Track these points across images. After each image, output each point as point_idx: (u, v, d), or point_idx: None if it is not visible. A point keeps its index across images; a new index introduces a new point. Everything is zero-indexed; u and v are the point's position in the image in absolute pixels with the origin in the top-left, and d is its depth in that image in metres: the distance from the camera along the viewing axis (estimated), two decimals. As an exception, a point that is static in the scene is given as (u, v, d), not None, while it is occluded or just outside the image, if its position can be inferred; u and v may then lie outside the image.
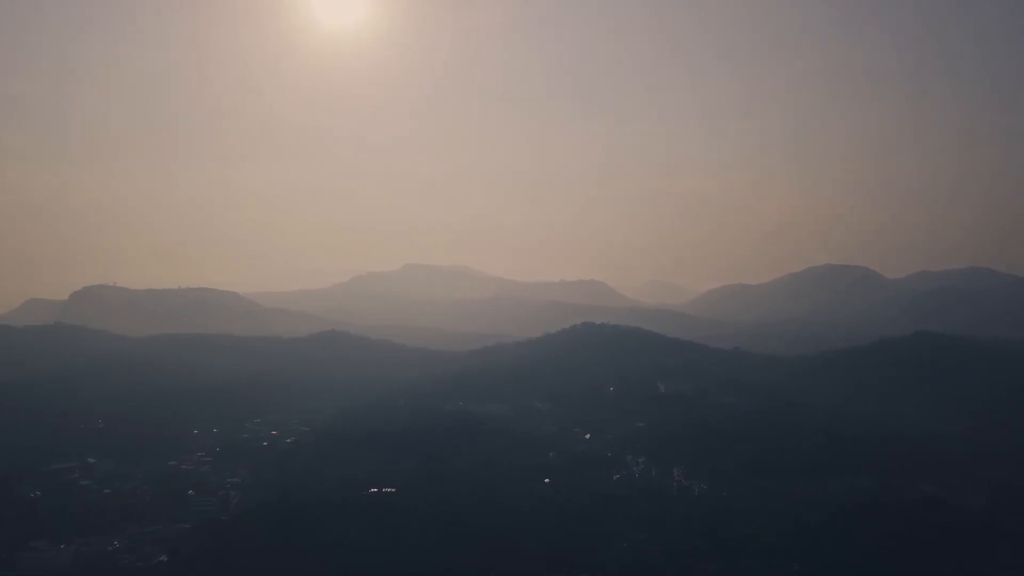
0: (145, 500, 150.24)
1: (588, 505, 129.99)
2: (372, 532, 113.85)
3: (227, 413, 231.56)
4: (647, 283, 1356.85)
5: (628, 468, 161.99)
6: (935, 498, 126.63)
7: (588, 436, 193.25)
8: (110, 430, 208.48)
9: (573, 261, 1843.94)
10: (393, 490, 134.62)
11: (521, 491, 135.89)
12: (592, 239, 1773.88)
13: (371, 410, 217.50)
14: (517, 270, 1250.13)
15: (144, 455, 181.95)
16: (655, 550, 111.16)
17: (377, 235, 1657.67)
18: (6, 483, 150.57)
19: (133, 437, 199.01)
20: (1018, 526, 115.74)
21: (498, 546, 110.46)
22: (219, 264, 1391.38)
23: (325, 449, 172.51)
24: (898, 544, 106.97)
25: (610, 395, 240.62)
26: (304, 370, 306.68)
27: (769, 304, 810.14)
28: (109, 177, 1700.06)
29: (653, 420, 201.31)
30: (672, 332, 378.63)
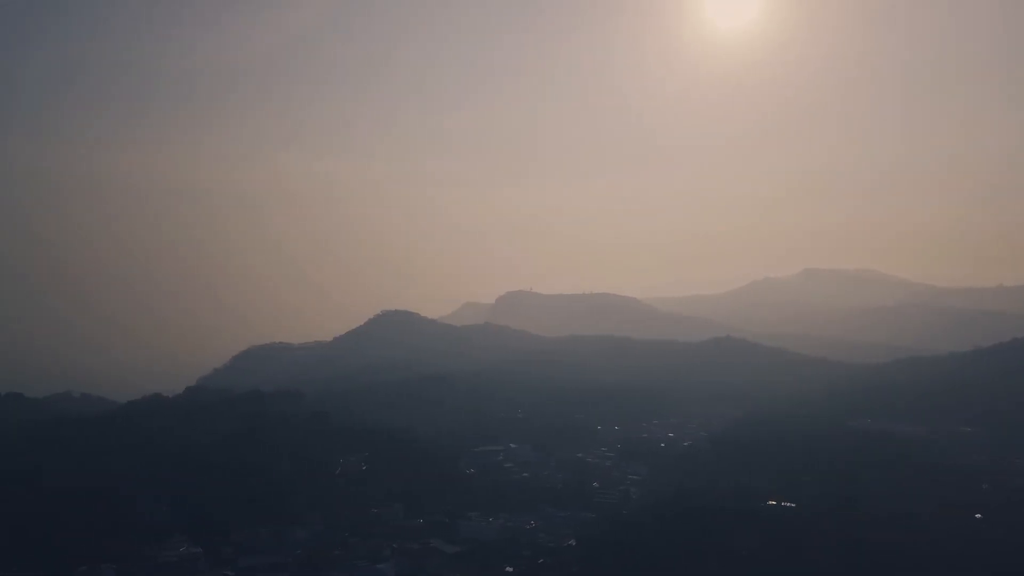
0: (556, 487, 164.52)
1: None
2: (769, 546, 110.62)
3: (627, 412, 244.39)
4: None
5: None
6: None
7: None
8: (528, 419, 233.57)
9: (1013, 264, 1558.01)
10: (793, 505, 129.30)
11: (946, 525, 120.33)
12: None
13: (768, 420, 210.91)
14: (938, 274, 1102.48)
15: (556, 445, 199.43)
16: None
17: (774, 240, 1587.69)
18: (452, 460, 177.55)
19: (547, 427, 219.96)
20: None
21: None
22: (618, 270, 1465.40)
23: (721, 456, 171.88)
24: None
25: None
26: (698, 375, 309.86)
27: None
28: (525, 192, 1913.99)
29: None
30: None
